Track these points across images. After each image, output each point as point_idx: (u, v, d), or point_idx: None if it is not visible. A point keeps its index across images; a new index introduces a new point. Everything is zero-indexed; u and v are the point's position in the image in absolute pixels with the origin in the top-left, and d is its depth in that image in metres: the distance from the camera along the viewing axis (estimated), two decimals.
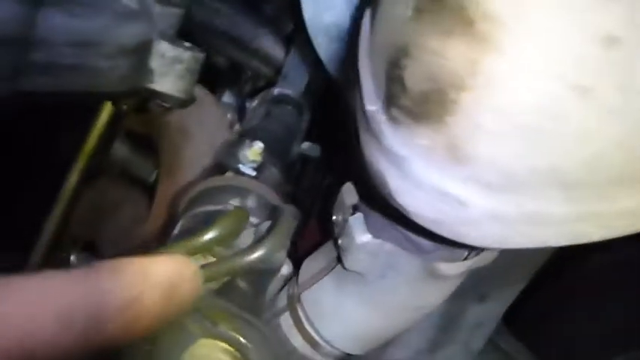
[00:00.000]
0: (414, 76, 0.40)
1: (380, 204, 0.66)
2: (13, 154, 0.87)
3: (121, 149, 1.16)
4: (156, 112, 0.72)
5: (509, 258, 0.82)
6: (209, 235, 0.54)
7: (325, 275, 0.81)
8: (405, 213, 0.47)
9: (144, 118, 1.11)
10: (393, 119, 0.44)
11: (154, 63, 0.65)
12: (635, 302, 1.31)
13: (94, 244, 1.26)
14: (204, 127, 1.08)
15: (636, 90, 0.36)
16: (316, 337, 0.82)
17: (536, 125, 0.37)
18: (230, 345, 0.43)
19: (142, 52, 0.62)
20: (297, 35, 1.10)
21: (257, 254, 0.54)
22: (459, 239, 0.47)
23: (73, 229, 1.10)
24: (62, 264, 1.10)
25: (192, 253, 0.55)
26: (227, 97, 1.32)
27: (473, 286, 0.97)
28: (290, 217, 0.58)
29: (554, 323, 1.50)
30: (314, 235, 1.03)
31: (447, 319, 0.99)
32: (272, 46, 1.19)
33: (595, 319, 1.41)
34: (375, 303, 0.76)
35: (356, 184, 0.71)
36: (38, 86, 0.52)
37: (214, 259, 0.57)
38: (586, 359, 1.37)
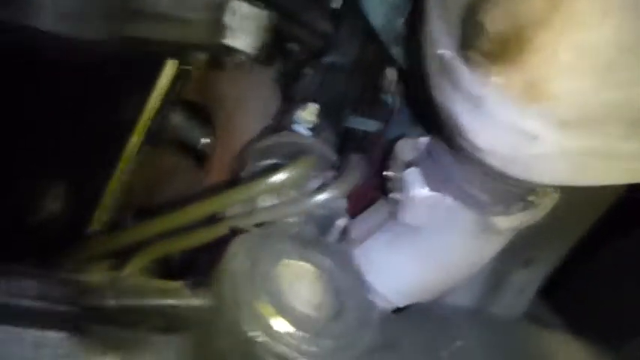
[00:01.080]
0: (493, 17, 0.44)
1: (442, 153, 0.70)
2: (79, 112, 0.91)
3: (176, 117, 1.20)
4: (229, 67, 0.76)
5: (554, 221, 0.84)
6: (284, 175, 0.58)
7: (378, 231, 0.84)
8: (477, 153, 0.50)
9: (199, 86, 1.15)
10: (470, 60, 0.47)
11: (228, 19, 0.69)
12: None
13: (148, 210, 1.30)
14: (258, 96, 1.12)
15: None
16: (368, 292, 0.85)
17: (614, 59, 0.40)
18: (318, 267, 0.47)
19: (219, 7, 0.66)
20: (347, 7, 1.13)
21: (327, 195, 0.58)
22: (529, 176, 0.50)
23: (129, 193, 1.14)
24: (119, 227, 1.15)
25: (265, 191, 0.59)
26: (273, 71, 1.35)
27: (519, 250, 1.00)
28: (355, 164, 0.62)
29: (593, 298, 1.51)
30: (361, 200, 1.07)
31: (492, 282, 1.02)
32: (320, 19, 1.22)
33: (634, 295, 1.42)
34: (429, 257, 0.79)
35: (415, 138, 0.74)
36: (139, 32, 0.56)
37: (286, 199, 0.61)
38: (623, 334, 1.39)
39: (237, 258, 0.43)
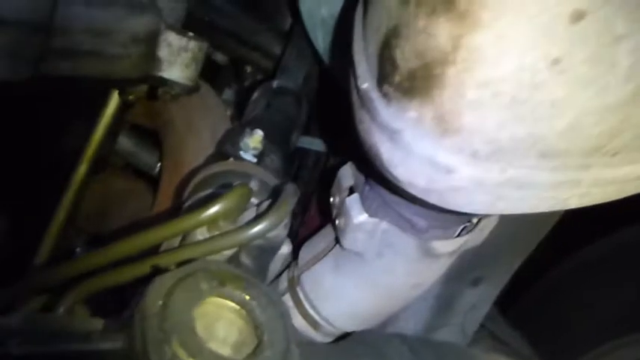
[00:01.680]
0: (403, 54, 0.44)
1: (376, 181, 0.70)
2: (24, 144, 0.90)
3: (125, 142, 1.20)
4: (164, 100, 0.75)
5: (500, 240, 0.85)
6: (215, 208, 0.57)
7: (324, 256, 0.84)
8: (397, 183, 0.51)
9: (149, 111, 1.15)
10: (385, 95, 0.47)
11: (162, 52, 0.69)
12: (630, 288, 1.34)
13: (98, 236, 1.29)
14: (208, 120, 1.12)
15: (604, 62, 0.39)
16: (316, 317, 0.85)
17: (515, 95, 0.41)
18: (237, 303, 0.46)
19: (151, 41, 0.66)
20: (295, 30, 1.14)
21: (259, 227, 0.58)
22: (447, 206, 0.51)
23: (78, 221, 1.13)
24: (68, 255, 1.13)
25: (198, 225, 0.58)
26: (227, 94, 1.36)
27: (466, 270, 1.01)
28: (290, 193, 0.62)
29: (549, 311, 1.54)
30: (314, 224, 1.07)
31: (442, 302, 1.03)
32: (271, 41, 1.23)
33: (588, 306, 1.44)
34: (373, 281, 0.79)
35: (356, 164, 0.75)
36: (58, 70, 0.56)
37: (218, 233, 0.61)
38: (579, 346, 1.41)
39: (149, 299, 0.42)
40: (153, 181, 1.30)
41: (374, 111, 0.48)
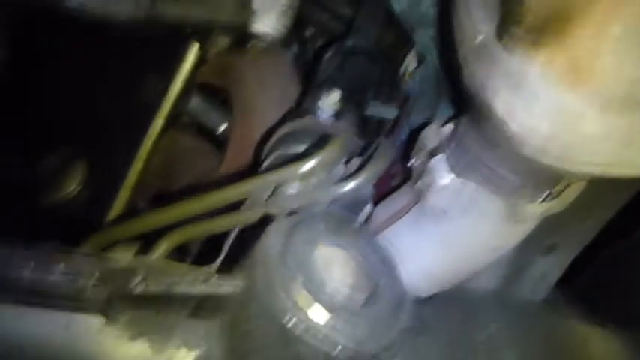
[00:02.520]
0: None
1: (474, 137, 0.68)
2: (103, 91, 0.90)
3: (194, 100, 1.19)
4: (255, 49, 0.74)
5: (578, 208, 0.83)
6: (313, 162, 0.57)
7: (402, 216, 0.83)
8: (511, 139, 0.49)
9: (218, 68, 1.14)
10: (511, 39, 0.45)
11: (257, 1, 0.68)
12: None
13: (165, 195, 1.30)
14: (278, 77, 1.11)
15: None
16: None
17: None
18: (351, 249, 0.46)
19: None
20: None
21: (359, 180, 0.57)
22: (566, 160, 0.49)
23: (147, 175, 1.14)
24: (137, 212, 1.15)
25: (295, 178, 0.58)
26: (290, 55, 1.34)
27: (541, 237, 0.99)
28: (387, 148, 0.61)
29: (611, 288, 1.50)
30: (382, 184, 1.05)
31: (514, 269, 1.01)
32: (341, 3, 1.21)
33: None
34: (454, 242, 0.78)
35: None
36: (169, 12, 0.55)
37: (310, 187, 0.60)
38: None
39: (271, 243, 0.42)
40: (215, 140, 1.30)
41: (492, 59, 0.47)
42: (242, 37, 0.73)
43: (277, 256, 0.40)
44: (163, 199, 1.28)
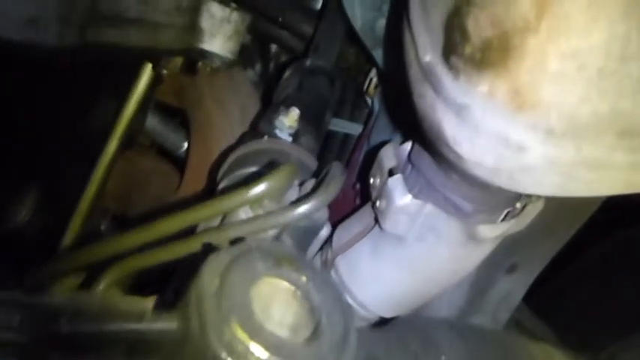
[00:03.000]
0: (477, 23, 0.41)
1: (425, 161, 0.67)
2: (54, 116, 0.88)
3: (151, 120, 1.18)
4: (203, 73, 0.73)
5: (539, 227, 0.83)
6: (263, 186, 0.55)
7: (361, 239, 0.82)
8: (461, 163, 0.48)
9: (176, 89, 1.12)
10: (452, 68, 0.44)
11: (205, 23, 0.66)
12: None
13: (123, 216, 1.27)
14: (237, 99, 1.10)
15: None
16: (351, 302, 0.83)
17: (603, 67, 0.38)
18: (292, 284, 0.44)
19: (194, 11, 0.63)
20: (328, 7, 1.11)
21: (308, 206, 0.55)
22: (516, 187, 0.48)
23: (103, 198, 1.11)
24: (94, 234, 1.12)
25: (243, 203, 0.56)
26: (250, 74, 1.33)
27: (503, 256, 0.99)
28: (338, 172, 0.59)
29: (573, 301, 1.51)
30: (340, 205, 1.04)
31: (476, 289, 1.00)
32: (300, 20, 1.20)
33: (613, 296, 1.41)
34: (413, 266, 0.77)
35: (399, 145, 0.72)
36: (104, 38, 0.54)
37: (262, 213, 0.58)
38: (604, 336, 1.38)
39: (205, 278, 0.40)
40: (177, 161, 1.28)
41: (438, 85, 0.46)
42: (194, 58, 0.71)
43: (210, 297, 0.38)
44: (122, 222, 1.26)
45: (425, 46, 0.49)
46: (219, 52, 0.71)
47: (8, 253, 0.94)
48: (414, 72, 0.50)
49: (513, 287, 1.04)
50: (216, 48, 0.70)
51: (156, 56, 0.78)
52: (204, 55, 0.70)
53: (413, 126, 0.86)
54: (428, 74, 0.47)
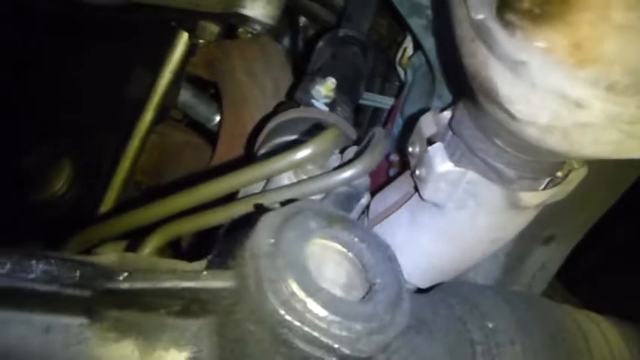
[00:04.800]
0: None
1: (471, 126, 0.66)
2: (90, 85, 0.88)
3: (183, 93, 1.18)
4: (242, 38, 0.72)
5: (577, 197, 0.81)
6: (307, 150, 0.54)
7: (399, 208, 0.81)
8: (514, 123, 0.47)
9: (209, 61, 1.12)
10: (508, 25, 0.43)
11: None
12: None
13: (156, 189, 1.28)
14: (269, 69, 1.09)
15: None
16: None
17: None
18: (344, 245, 0.44)
19: None
20: None
21: (353, 170, 0.55)
22: (568, 147, 0.47)
23: (135, 172, 1.12)
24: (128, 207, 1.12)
25: (288, 167, 0.55)
26: (282, 47, 1.32)
27: (540, 227, 0.97)
28: (382, 137, 0.59)
29: (607, 277, 1.49)
30: (374, 177, 1.04)
31: (513, 260, 0.99)
32: None
33: None
34: (452, 234, 0.76)
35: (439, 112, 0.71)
36: None
37: (306, 177, 0.58)
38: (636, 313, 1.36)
39: (261, 237, 0.39)
40: (208, 135, 1.28)
41: (492, 42, 0.45)
42: (231, 25, 0.70)
43: (266, 256, 0.38)
44: (154, 194, 1.26)
45: (476, 4, 0.47)
46: (260, 17, 0.70)
47: (45, 225, 0.95)
48: (464, 31, 0.49)
49: (550, 258, 1.03)
50: (257, 13, 0.69)
51: (193, 23, 0.77)
52: (244, 20, 0.69)
53: (455, 91, 0.85)
54: (481, 32, 0.46)
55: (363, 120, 1.23)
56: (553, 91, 0.43)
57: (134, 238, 0.67)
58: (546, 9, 0.40)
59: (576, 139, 0.45)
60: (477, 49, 0.47)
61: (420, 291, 0.81)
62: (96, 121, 0.94)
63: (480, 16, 0.46)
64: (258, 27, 0.70)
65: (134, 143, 0.94)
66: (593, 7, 0.38)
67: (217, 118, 1.21)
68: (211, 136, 1.24)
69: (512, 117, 0.47)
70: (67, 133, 0.93)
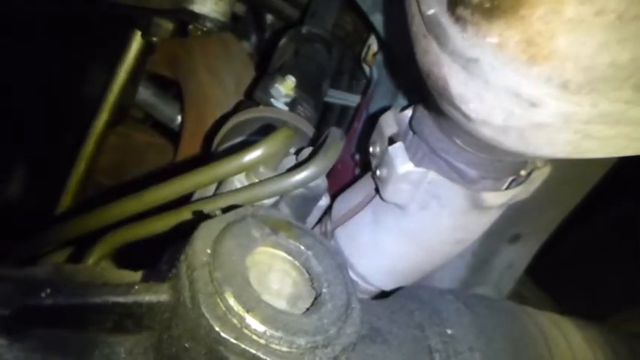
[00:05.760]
0: None
1: (428, 124, 0.65)
2: (42, 86, 0.84)
3: (144, 93, 1.14)
4: (194, 35, 0.69)
5: (543, 196, 0.80)
6: (259, 151, 0.52)
7: (361, 210, 0.79)
8: (469, 123, 0.45)
9: (169, 59, 1.09)
10: (459, 19, 0.41)
11: None
12: None
13: (117, 191, 1.25)
14: (231, 67, 1.06)
15: None
16: (351, 274, 0.80)
17: (623, 12, 0.35)
18: (290, 253, 0.41)
19: None
20: None
21: (307, 172, 0.52)
22: (525, 148, 0.45)
23: (95, 174, 1.09)
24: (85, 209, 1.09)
25: (238, 170, 0.53)
26: (245, 45, 1.30)
27: (507, 226, 0.96)
28: (337, 138, 0.56)
29: (575, 273, 1.49)
30: (339, 176, 1.02)
31: (479, 260, 0.98)
32: None
33: (615, 269, 1.40)
34: (415, 236, 0.74)
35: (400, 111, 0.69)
36: None
37: (260, 180, 0.55)
38: (605, 308, 1.37)
39: (197, 247, 0.37)
40: (172, 135, 1.25)
41: (444, 39, 0.42)
42: (185, 20, 0.67)
43: (202, 267, 0.35)
44: (116, 195, 1.23)
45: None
46: (210, 14, 0.67)
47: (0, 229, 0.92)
48: (416, 27, 0.47)
49: (517, 257, 1.02)
50: (207, 10, 0.66)
51: (147, 21, 0.74)
52: (195, 17, 0.67)
53: (414, 90, 0.83)
54: (432, 28, 0.44)
55: (331, 118, 1.21)
56: (506, 90, 0.41)
57: (83, 244, 0.64)
58: (497, 3, 0.38)
59: (532, 140, 0.44)
60: (428, 45, 0.45)
61: (383, 294, 0.79)
62: (49, 121, 0.91)
63: (431, 11, 0.44)
64: (209, 24, 0.67)
65: (90, 144, 0.90)
66: (546, 1, 0.36)
67: (180, 118, 1.18)
68: (175, 137, 1.22)
69: (467, 117, 0.45)
70: (20, 135, 0.90)
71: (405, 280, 0.81)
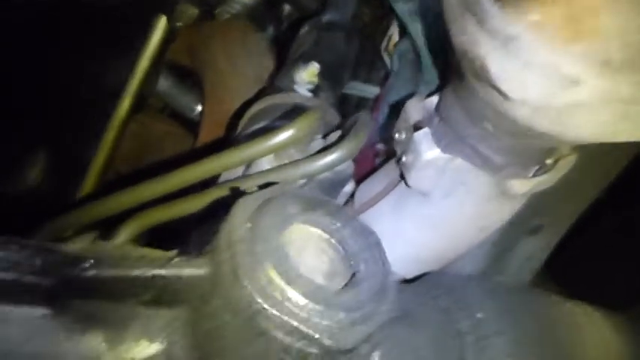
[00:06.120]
0: None
1: (458, 111, 0.64)
2: (66, 74, 0.85)
3: (164, 82, 1.15)
4: (221, 18, 0.69)
5: (565, 186, 0.80)
6: (286, 133, 0.52)
7: (384, 197, 0.79)
8: (505, 102, 0.45)
9: (189, 49, 1.09)
10: None
11: None
12: None
13: (136, 180, 1.25)
14: (251, 56, 1.06)
15: None
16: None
17: None
18: (326, 231, 0.41)
19: None
20: None
21: (337, 155, 0.52)
22: (560, 130, 0.45)
23: (115, 161, 1.09)
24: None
25: (267, 151, 0.53)
26: (265, 36, 1.29)
27: (528, 217, 0.96)
28: (366, 122, 0.56)
29: (593, 267, 1.48)
30: (359, 166, 1.02)
31: (499, 250, 0.98)
32: None
33: (633, 263, 1.39)
34: (438, 224, 0.74)
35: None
36: None
37: (289, 162, 0.55)
38: (622, 303, 1.36)
39: (237, 222, 0.37)
40: (191, 124, 1.25)
41: (482, 16, 0.42)
42: (210, 5, 0.67)
43: (243, 241, 0.35)
44: (133, 181, 1.23)
45: None
46: None
47: (19, 216, 0.92)
48: (452, 4, 0.46)
49: (537, 249, 1.02)
50: None
51: (171, 6, 0.74)
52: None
53: (442, 76, 0.83)
54: (470, 5, 0.43)
55: (348, 109, 1.21)
56: (546, 68, 0.41)
57: (108, 227, 0.64)
58: None
59: (569, 120, 0.43)
60: (466, 24, 0.45)
61: (405, 282, 0.79)
62: (72, 109, 0.91)
63: None
64: (237, 6, 0.67)
65: (112, 131, 0.90)
66: None
67: (199, 108, 1.18)
68: (194, 127, 1.22)
69: (504, 96, 0.45)
70: (42, 122, 0.90)
71: (427, 267, 0.81)
